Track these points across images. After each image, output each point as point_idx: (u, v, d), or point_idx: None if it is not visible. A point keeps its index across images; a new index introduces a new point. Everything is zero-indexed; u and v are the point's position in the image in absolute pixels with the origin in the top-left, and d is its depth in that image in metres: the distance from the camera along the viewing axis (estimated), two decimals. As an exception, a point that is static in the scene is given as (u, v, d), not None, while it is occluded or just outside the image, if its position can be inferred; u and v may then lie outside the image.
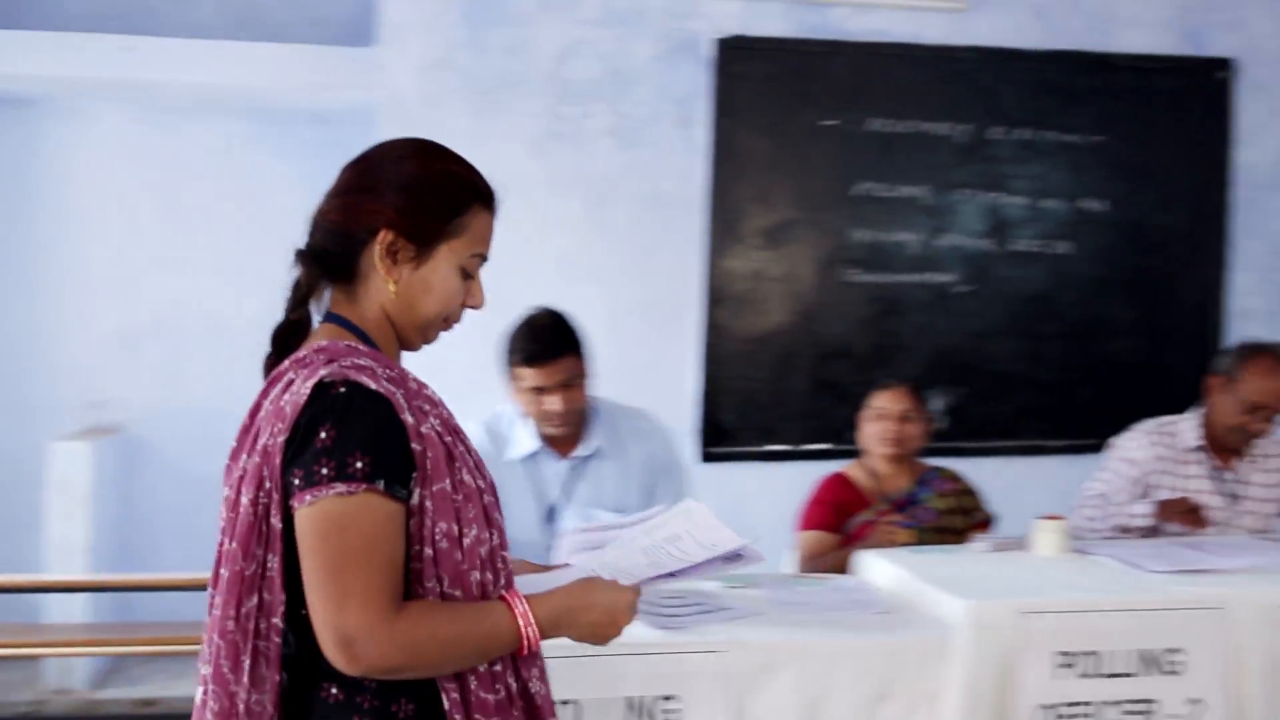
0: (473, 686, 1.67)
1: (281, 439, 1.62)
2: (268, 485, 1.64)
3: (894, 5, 5.04)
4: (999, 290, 5.17)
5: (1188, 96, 5.32)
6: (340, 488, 1.58)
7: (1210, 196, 5.35)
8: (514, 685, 1.71)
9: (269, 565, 1.64)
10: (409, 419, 1.64)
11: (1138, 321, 5.31)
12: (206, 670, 1.68)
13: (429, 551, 1.64)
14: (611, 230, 4.90)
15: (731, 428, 4.96)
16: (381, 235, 1.73)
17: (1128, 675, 2.87)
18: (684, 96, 4.93)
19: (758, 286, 4.97)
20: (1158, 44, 5.29)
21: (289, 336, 1.79)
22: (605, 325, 4.73)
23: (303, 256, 1.79)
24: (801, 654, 2.66)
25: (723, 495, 4.89)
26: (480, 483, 1.72)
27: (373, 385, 1.63)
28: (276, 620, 1.64)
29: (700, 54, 4.93)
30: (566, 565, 2.05)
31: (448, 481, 1.66)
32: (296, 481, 1.60)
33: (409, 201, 1.74)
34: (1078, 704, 2.83)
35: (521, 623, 1.67)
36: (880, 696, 2.70)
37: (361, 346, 1.73)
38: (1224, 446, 3.89)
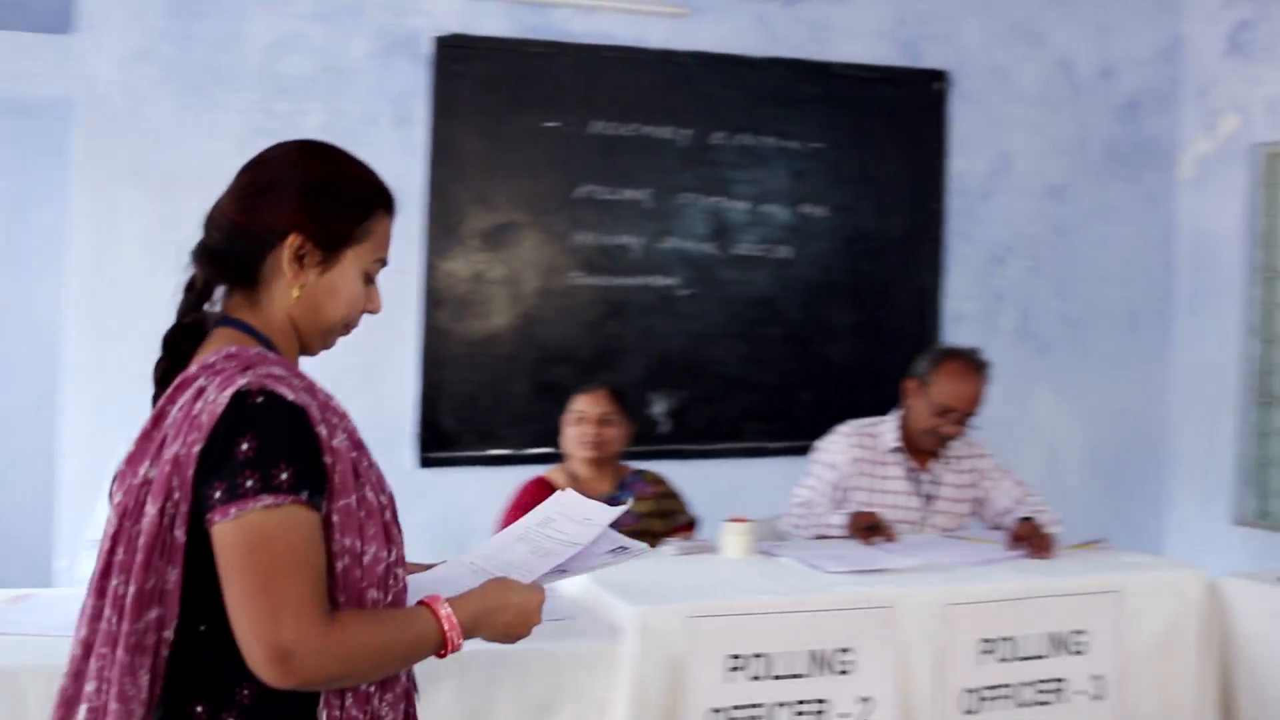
0: (348, 704, 1.64)
1: (196, 449, 1.58)
2: (175, 496, 1.59)
3: (617, 9, 5.04)
4: (721, 293, 5.21)
5: (905, 106, 5.46)
6: (268, 499, 1.55)
7: (926, 203, 5.50)
8: (375, 707, 1.68)
9: (168, 578, 1.60)
10: (322, 431, 1.62)
11: (857, 325, 5.42)
12: (91, 686, 1.60)
13: (339, 565, 1.62)
14: (327, 230, 4.73)
15: (451, 432, 4.87)
16: (290, 239, 1.71)
17: (798, 676, 2.90)
18: (401, 95, 4.82)
19: (478, 289, 4.89)
20: (876, 54, 5.41)
21: (182, 341, 1.75)
22: (319, 328, 4.61)
23: (199, 257, 1.75)
24: (464, 663, 2.60)
25: (442, 500, 4.82)
26: (381, 498, 1.70)
27: (290, 396, 1.60)
28: (168, 634, 1.60)
29: (419, 52, 4.83)
30: (444, 562, 2.00)
31: (353, 498, 1.64)
32: (218, 494, 1.56)
33: (318, 205, 1.72)
34: (748, 706, 2.86)
35: (446, 626, 1.67)
36: (547, 705, 2.68)
37: (270, 354, 1.69)
38: (920, 448, 4.01)
